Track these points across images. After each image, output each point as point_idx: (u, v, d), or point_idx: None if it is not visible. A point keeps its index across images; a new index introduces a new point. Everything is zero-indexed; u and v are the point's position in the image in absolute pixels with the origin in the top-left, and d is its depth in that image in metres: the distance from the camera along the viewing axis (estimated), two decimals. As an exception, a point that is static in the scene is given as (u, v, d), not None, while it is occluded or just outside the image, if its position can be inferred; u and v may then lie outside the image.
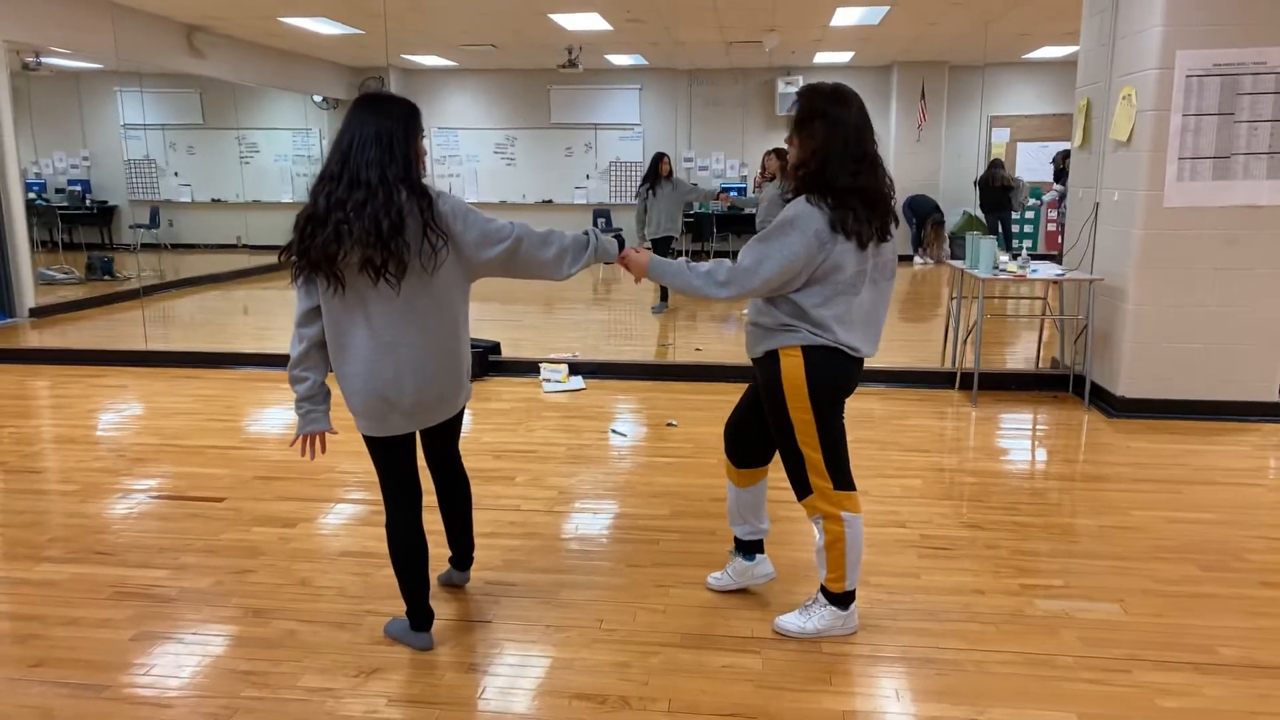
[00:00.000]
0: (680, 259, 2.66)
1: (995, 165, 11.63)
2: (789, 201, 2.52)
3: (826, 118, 2.43)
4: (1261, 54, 4.71)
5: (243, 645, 2.69)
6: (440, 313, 2.43)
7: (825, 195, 2.43)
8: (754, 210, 8.32)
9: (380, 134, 2.30)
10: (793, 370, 2.52)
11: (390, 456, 2.55)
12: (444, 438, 2.75)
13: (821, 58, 11.81)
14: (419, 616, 2.66)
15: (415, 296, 2.38)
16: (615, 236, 2.71)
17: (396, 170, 2.30)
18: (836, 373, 2.54)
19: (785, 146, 2.64)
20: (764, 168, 7.85)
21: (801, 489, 2.65)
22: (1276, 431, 4.83)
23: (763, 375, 2.61)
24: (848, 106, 2.46)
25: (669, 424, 4.96)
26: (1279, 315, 4.94)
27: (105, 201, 12.17)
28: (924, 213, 12.21)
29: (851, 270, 2.45)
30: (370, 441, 2.54)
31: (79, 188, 12.01)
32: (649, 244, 8.15)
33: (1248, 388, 5.02)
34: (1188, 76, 4.76)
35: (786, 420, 2.58)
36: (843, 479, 2.62)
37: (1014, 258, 5.52)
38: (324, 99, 12.78)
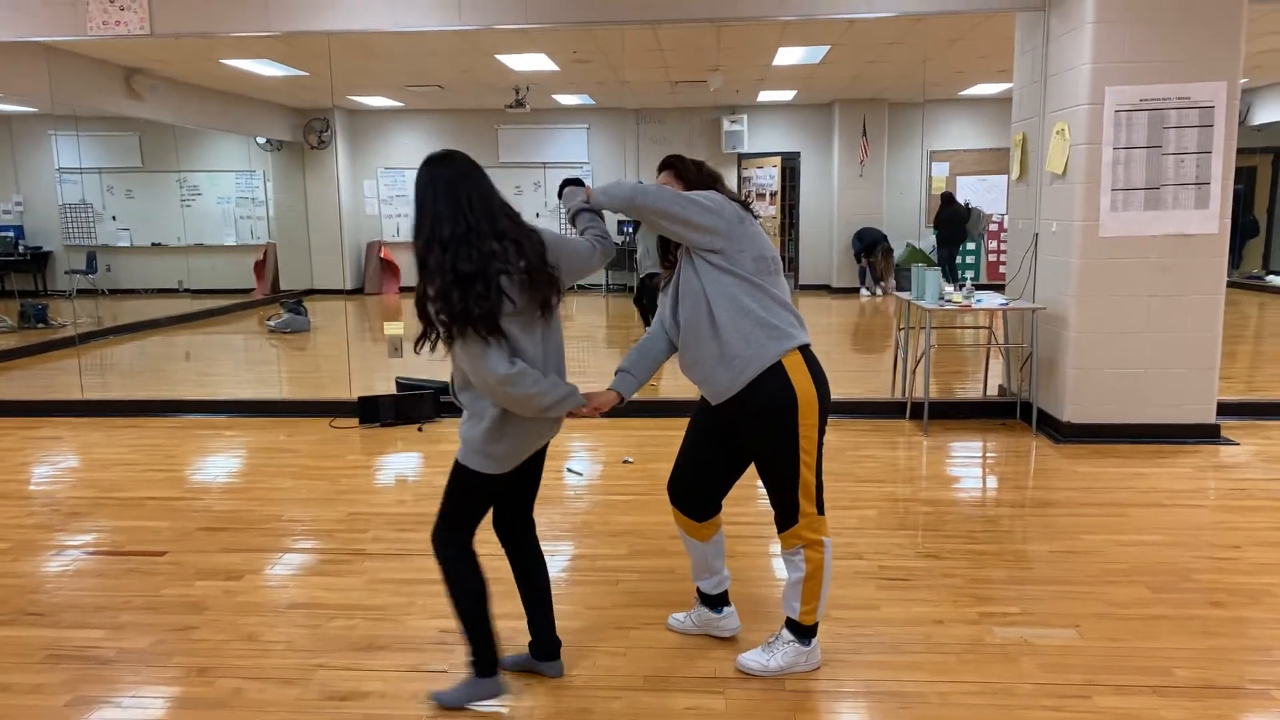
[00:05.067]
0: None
1: (950, 200, 11.92)
2: None
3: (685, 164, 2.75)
4: (1184, 89, 4.91)
5: (186, 707, 2.58)
6: (558, 342, 2.52)
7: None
8: None
9: (490, 186, 2.37)
10: (804, 383, 2.52)
11: (492, 494, 2.53)
12: (534, 479, 2.66)
13: (765, 96, 12.04)
14: (493, 658, 2.57)
15: (546, 329, 2.45)
16: (574, 182, 2.77)
17: (514, 213, 2.39)
18: (824, 372, 2.60)
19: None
20: None
21: (788, 519, 2.61)
22: (1215, 453, 4.96)
23: (762, 398, 2.52)
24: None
25: (625, 461, 4.92)
26: (1212, 340, 5.10)
27: (40, 247, 11.85)
28: (871, 240, 12.45)
29: (774, 253, 2.60)
30: (479, 478, 2.46)
31: (11, 234, 11.68)
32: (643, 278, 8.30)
33: (1186, 410, 5.16)
34: (1116, 111, 4.94)
35: (793, 439, 2.53)
36: (823, 502, 2.62)
37: (959, 288, 5.63)
38: (268, 141, 12.65)
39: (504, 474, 2.47)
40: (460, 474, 2.49)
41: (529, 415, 2.39)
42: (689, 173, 2.71)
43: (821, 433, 2.58)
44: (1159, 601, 3.16)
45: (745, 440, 2.63)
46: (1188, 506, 4.14)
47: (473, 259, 2.26)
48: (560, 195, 2.76)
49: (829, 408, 2.60)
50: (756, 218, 2.65)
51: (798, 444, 2.54)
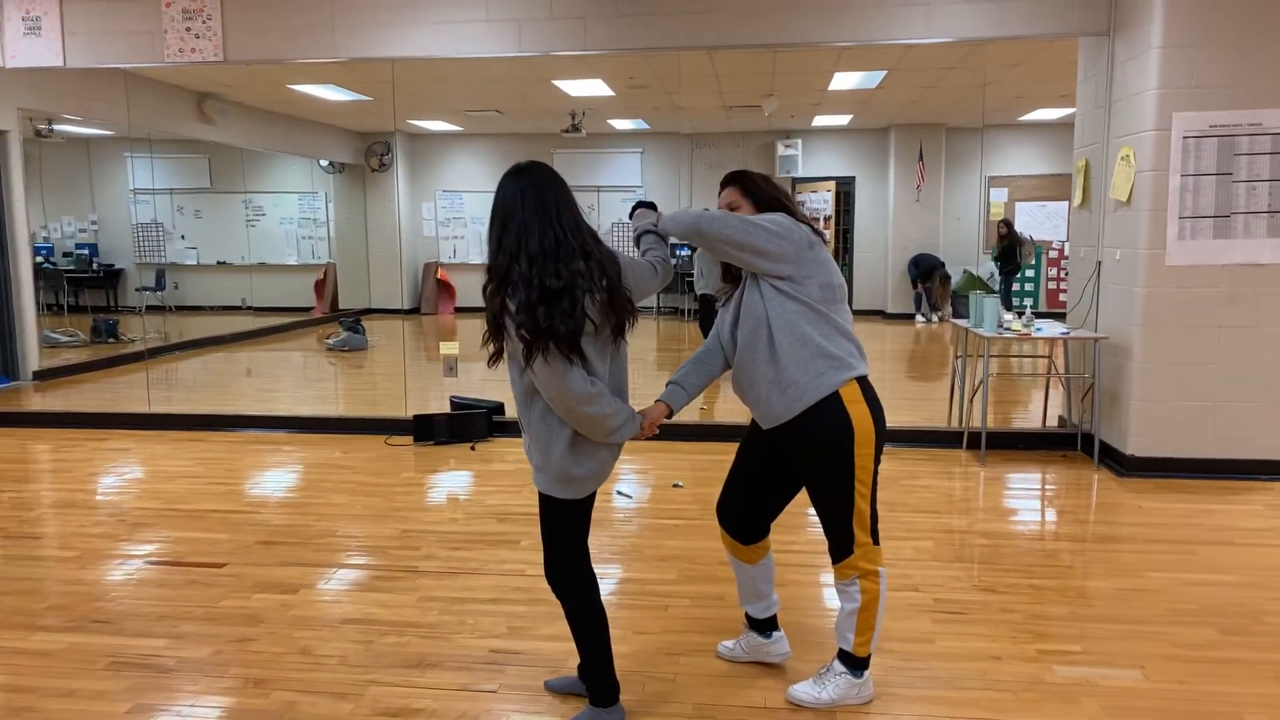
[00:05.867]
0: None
1: (1012, 226, 11.57)
2: None
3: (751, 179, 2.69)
4: (1256, 116, 4.78)
5: (241, 717, 2.62)
6: (623, 367, 2.49)
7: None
8: None
9: (575, 200, 2.33)
10: (860, 413, 2.48)
11: (585, 514, 2.49)
12: (591, 502, 2.59)
13: (820, 120, 12.02)
14: (615, 688, 2.55)
15: (615, 353, 2.43)
16: (647, 204, 2.73)
17: (594, 232, 2.37)
18: (880, 403, 2.56)
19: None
20: None
21: (844, 549, 2.56)
22: (1289, 490, 4.78)
23: (818, 427, 2.49)
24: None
25: (675, 485, 4.91)
26: (1286, 372, 4.93)
27: (112, 264, 12.28)
28: (928, 267, 12.27)
29: (841, 281, 2.56)
30: (569, 505, 2.44)
31: (86, 251, 12.13)
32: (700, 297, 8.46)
33: (1258, 446, 4.98)
34: (1185, 138, 4.83)
35: (849, 469, 2.50)
36: (878, 532, 2.59)
37: (1019, 315, 5.53)
38: (330, 163, 12.98)
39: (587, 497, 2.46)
40: (549, 506, 2.45)
41: (596, 438, 2.35)
42: (756, 188, 2.64)
43: (877, 463, 2.54)
44: (1230, 644, 3.04)
45: (799, 468, 2.60)
46: (1260, 546, 3.98)
47: (561, 275, 2.21)
48: (631, 216, 2.75)
49: (885, 438, 2.56)
50: (826, 242, 2.62)
51: (853, 474, 2.50)
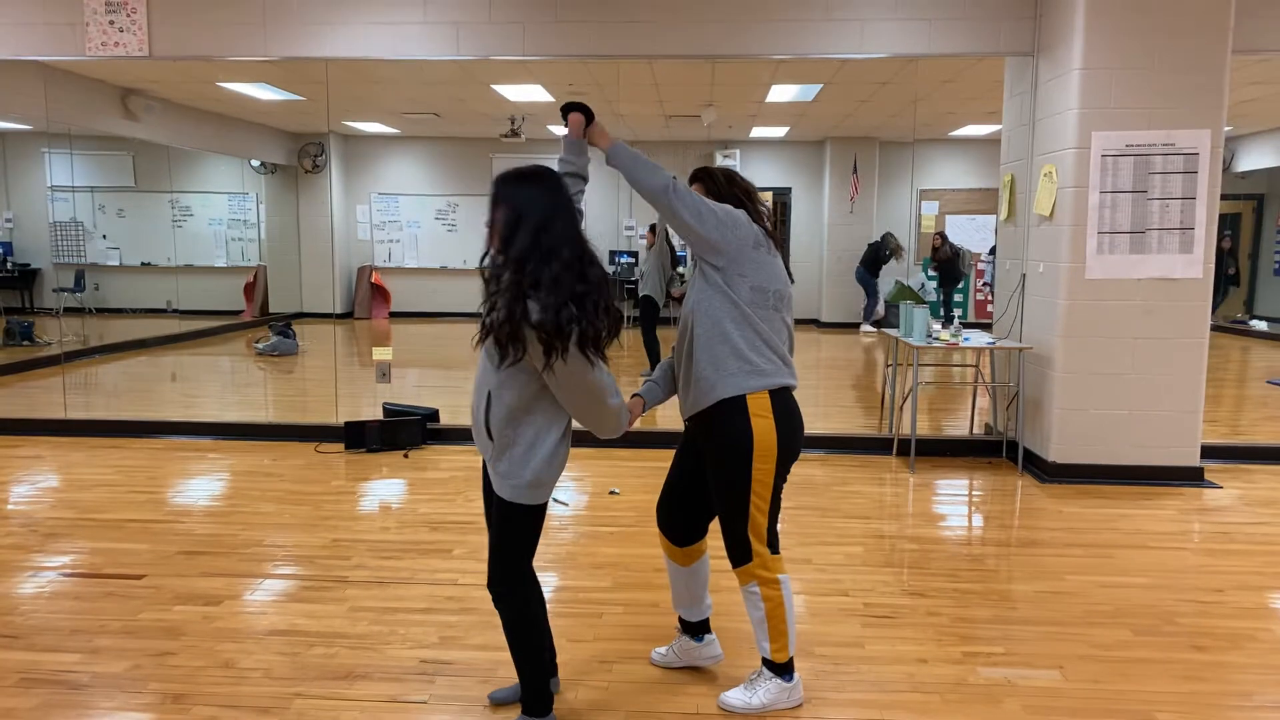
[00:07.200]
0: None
1: (946, 238, 11.81)
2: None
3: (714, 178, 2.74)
4: (1169, 136, 4.99)
5: (159, 735, 2.53)
6: None
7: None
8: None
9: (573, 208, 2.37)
10: (763, 427, 2.50)
11: (541, 521, 2.48)
12: None
13: (757, 132, 12.16)
14: (549, 698, 2.53)
15: None
16: (581, 108, 2.76)
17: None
18: (798, 419, 2.59)
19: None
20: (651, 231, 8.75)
21: (741, 555, 2.60)
22: (1198, 495, 4.98)
23: (719, 429, 2.54)
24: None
25: (612, 492, 4.91)
26: (1195, 383, 5.14)
27: (28, 264, 11.79)
28: (882, 254, 12.24)
29: (780, 287, 2.58)
30: (537, 510, 2.43)
31: (0, 250, 11.63)
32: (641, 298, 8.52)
33: (1170, 453, 5.19)
34: (1103, 156, 5.02)
35: (745, 479, 2.53)
36: (776, 542, 2.62)
37: (946, 325, 5.67)
38: (262, 164, 12.68)
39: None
40: (520, 515, 2.41)
41: (607, 433, 2.42)
42: (719, 186, 2.69)
43: (781, 477, 2.57)
44: (1142, 644, 3.16)
45: (705, 465, 2.65)
46: (1171, 549, 4.15)
47: (589, 279, 2.29)
48: (565, 118, 2.73)
49: (794, 454, 2.59)
50: (779, 247, 2.64)
51: (749, 484, 2.54)
